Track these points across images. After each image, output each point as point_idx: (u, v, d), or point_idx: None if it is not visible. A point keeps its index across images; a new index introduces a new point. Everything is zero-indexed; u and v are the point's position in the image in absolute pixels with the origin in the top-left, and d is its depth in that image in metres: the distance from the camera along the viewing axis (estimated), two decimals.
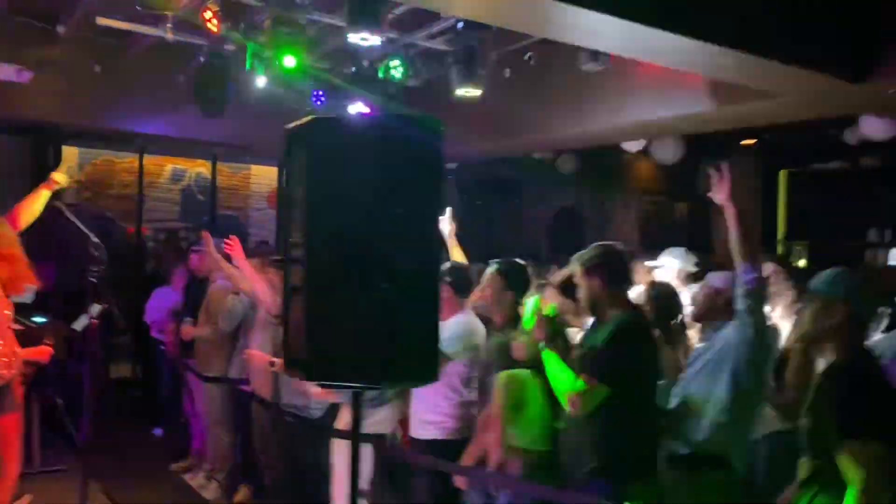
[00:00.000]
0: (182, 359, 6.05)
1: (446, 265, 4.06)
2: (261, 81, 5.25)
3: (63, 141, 9.34)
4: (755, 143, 9.41)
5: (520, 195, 11.54)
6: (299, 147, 2.21)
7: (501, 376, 3.36)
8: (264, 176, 11.36)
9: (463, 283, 4.01)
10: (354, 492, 2.38)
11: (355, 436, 2.38)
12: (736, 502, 3.27)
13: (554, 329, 3.14)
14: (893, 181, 9.25)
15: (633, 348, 3.11)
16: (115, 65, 6.91)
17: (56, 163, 9.19)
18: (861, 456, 2.14)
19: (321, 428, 4.70)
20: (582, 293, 3.33)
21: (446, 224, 4.71)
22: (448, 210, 4.82)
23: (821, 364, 2.41)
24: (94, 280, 3.24)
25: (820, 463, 2.28)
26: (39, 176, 8.65)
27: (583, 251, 3.36)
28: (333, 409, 4.66)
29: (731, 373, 3.34)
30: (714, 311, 3.58)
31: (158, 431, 7.24)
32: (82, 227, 3.17)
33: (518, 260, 4.87)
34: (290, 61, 4.97)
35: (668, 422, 3.49)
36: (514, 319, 3.77)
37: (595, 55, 4.96)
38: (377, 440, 3.90)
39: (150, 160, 10.66)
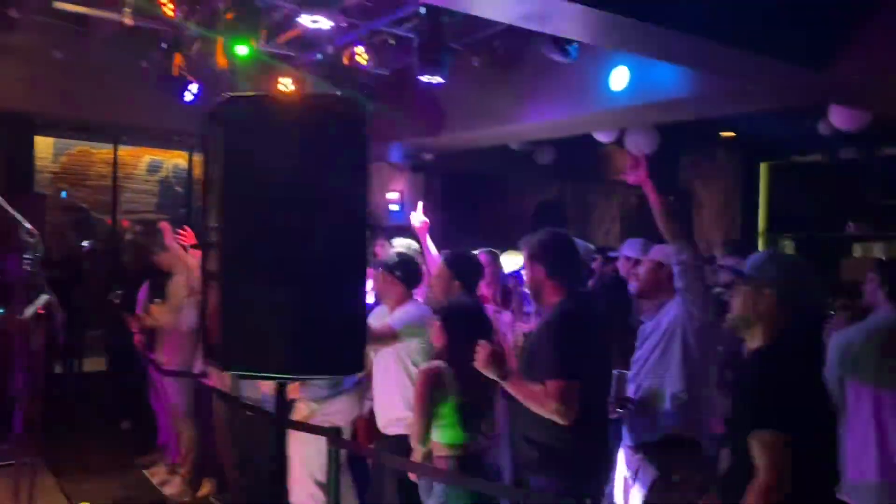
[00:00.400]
0: (146, 352, 5.95)
1: (395, 257, 4.00)
2: (222, 67, 5.14)
3: (35, 131, 9.20)
4: (735, 135, 9.32)
5: (503, 188, 11.47)
6: (217, 127, 2.12)
7: (420, 370, 3.23)
8: None
9: (412, 275, 3.99)
10: (280, 481, 2.30)
11: (280, 425, 2.30)
12: (708, 478, 3.20)
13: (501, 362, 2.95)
14: (872, 173, 9.19)
15: (571, 337, 2.96)
16: (78, 51, 6.76)
17: (28, 153, 9.12)
18: (768, 445, 2.05)
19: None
20: (526, 278, 3.24)
21: (419, 219, 4.66)
22: (420, 205, 4.75)
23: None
24: (28, 269, 3.14)
25: (740, 454, 2.18)
26: (12, 166, 8.62)
27: (530, 236, 3.23)
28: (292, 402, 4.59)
29: (682, 349, 3.31)
30: (659, 285, 3.55)
31: (126, 424, 7.14)
32: (14, 212, 3.07)
33: (494, 249, 4.82)
34: (242, 49, 4.87)
35: (630, 411, 3.44)
36: None
37: (562, 48, 4.86)
38: (332, 433, 3.83)
39: (127, 151, 10.53)
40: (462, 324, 3.21)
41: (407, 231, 9.55)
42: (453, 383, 3.10)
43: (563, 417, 2.85)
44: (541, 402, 2.89)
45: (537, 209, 11.56)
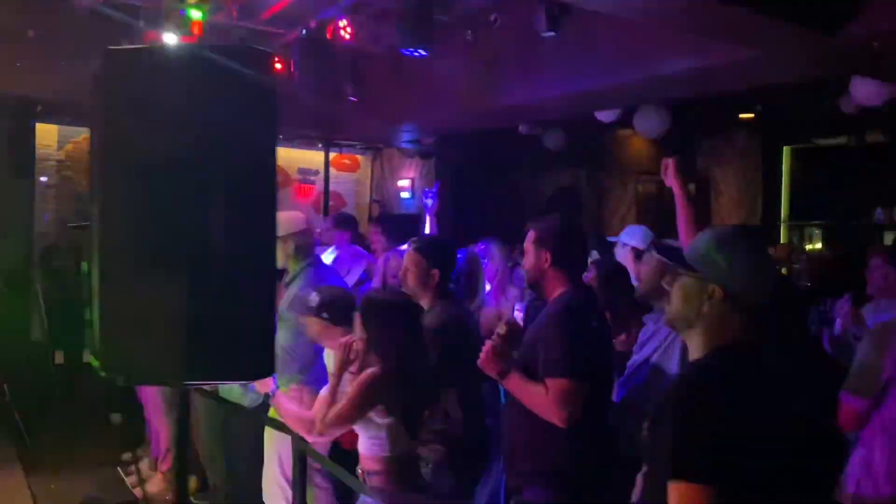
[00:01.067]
0: None
1: (317, 298, 3.38)
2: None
3: (35, 117, 9.04)
4: (754, 116, 8.87)
5: (516, 176, 11.13)
6: (99, 91, 1.83)
7: (358, 378, 2.88)
8: None
9: (341, 313, 3.38)
10: (184, 482, 2.05)
11: (181, 432, 2.03)
12: None
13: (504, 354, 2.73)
14: None
15: (577, 334, 2.72)
16: (54, 30, 6.52)
17: (30, 139, 8.96)
18: (685, 499, 1.59)
19: (256, 417, 4.38)
20: (527, 262, 2.95)
21: (432, 201, 4.47)
22: (436, 185, 4.55)
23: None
24: None
25: (653, 492, 1.75)
26: (11, 153, 8.44)
27: (541, 218, 3.00)
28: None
29: (681, 355, 2.98)
30: (661, 288, 3.20)
31: (116, 419, 6.96)
32: None
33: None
34: (195, 14, 4.63)
35: (613, 418, 3.12)
36: (443, 297, 3.46)
37: (552, 20, 4.52)
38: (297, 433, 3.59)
39: None
40: (379, 318, 2.90)
41: (411, 219, 9.32)
42: (391, 388, 2.79)
43: (563, 420, 2.62)
44: (540, 402, 2.67)
45: (552, 196, 11.23)
